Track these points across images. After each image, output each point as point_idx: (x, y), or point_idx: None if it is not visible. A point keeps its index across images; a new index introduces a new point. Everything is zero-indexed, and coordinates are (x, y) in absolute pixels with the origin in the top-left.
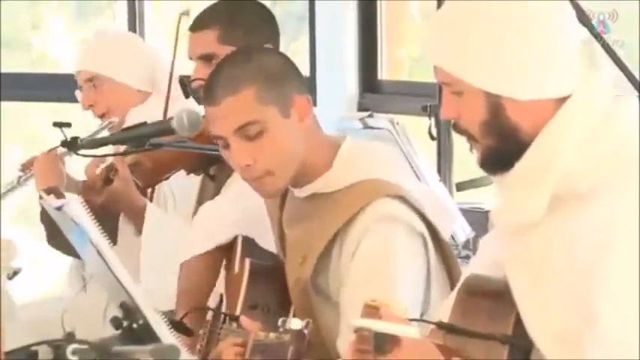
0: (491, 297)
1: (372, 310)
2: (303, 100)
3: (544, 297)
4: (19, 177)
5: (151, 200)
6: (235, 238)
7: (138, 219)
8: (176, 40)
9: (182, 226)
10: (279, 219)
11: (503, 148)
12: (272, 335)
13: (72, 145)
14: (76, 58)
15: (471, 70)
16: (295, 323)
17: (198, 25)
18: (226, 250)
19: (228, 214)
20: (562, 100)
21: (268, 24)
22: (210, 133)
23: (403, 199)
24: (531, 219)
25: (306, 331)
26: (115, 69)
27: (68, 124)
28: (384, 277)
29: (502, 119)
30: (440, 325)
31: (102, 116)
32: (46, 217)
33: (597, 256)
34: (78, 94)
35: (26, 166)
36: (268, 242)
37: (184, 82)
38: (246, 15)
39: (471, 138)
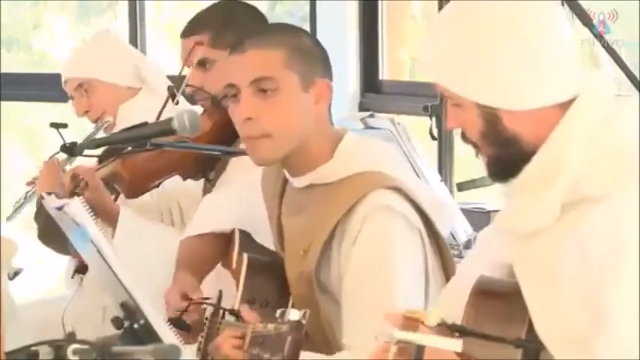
0: (505, 299)
1: (411, 322)
2: (324, 84)
3: (554, 300)
4: (27, 192)
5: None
6: (233, 233)
7: (114, 226)
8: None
9: (159, 233)
10: (278, 210)
11: (506, 157)
12: (270, 326)
13: (71, 149)
14: (61, 71)
15: (463, 84)
16: (294, 314)
17: (189, 30)
18: (224, 244)
19: (229, 207)
20: (567, 105)
21: (260, 24)
22: (226, 82)
23: (399, 191)
24: (541, 226)
25: (303, 322)
26: (99, 70)
27: (64, 125)
28: (383, 268)
29: (499, 129)
30: (453, 328)
31: (98, 120)
32: (40, 217)
33: (607, 260)
34: (71, 104)
35: (33, 182)
36: (265, 240)
37: (173, 92)
38: (237, 17)
39: (476, 147)
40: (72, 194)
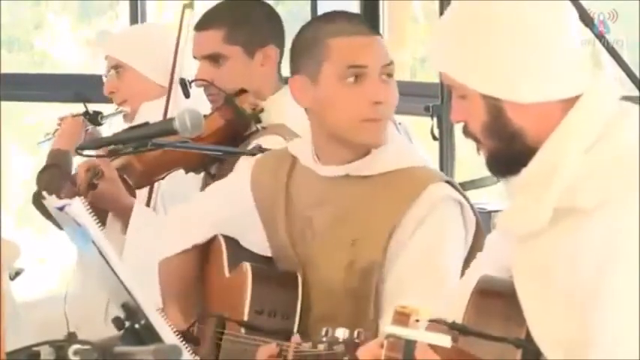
0: (506, 299)
1: (402, 317)
2: None
3: (548, 305)
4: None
5: (149, 199)
6: (213, 238)
7: (125, 217)
8: (179, 32)
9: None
10: (285, 202)
11: (507, 150)
12: (320, 346)
13: (93, 118)
14: (105, 42)
15: (468, 73)
16: (344, 333)
17: (204, 24)
18: (202, 252)
19: (204, 212)
20: (571, 104)
21: (273, 23)
22: (354, 62)
23: (451, 184)
24: (536, 227)
25: (358, 341)
26: (138, 60)
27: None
28: (440, 257)
29: (503, 122)
30: (453, 327)
31: (122, 104)
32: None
33: (600, 270)
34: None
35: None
36: (252, 239)
37: (185, 83)
38: (252, 14)
39: (477, 141)
40: (89, 184)
